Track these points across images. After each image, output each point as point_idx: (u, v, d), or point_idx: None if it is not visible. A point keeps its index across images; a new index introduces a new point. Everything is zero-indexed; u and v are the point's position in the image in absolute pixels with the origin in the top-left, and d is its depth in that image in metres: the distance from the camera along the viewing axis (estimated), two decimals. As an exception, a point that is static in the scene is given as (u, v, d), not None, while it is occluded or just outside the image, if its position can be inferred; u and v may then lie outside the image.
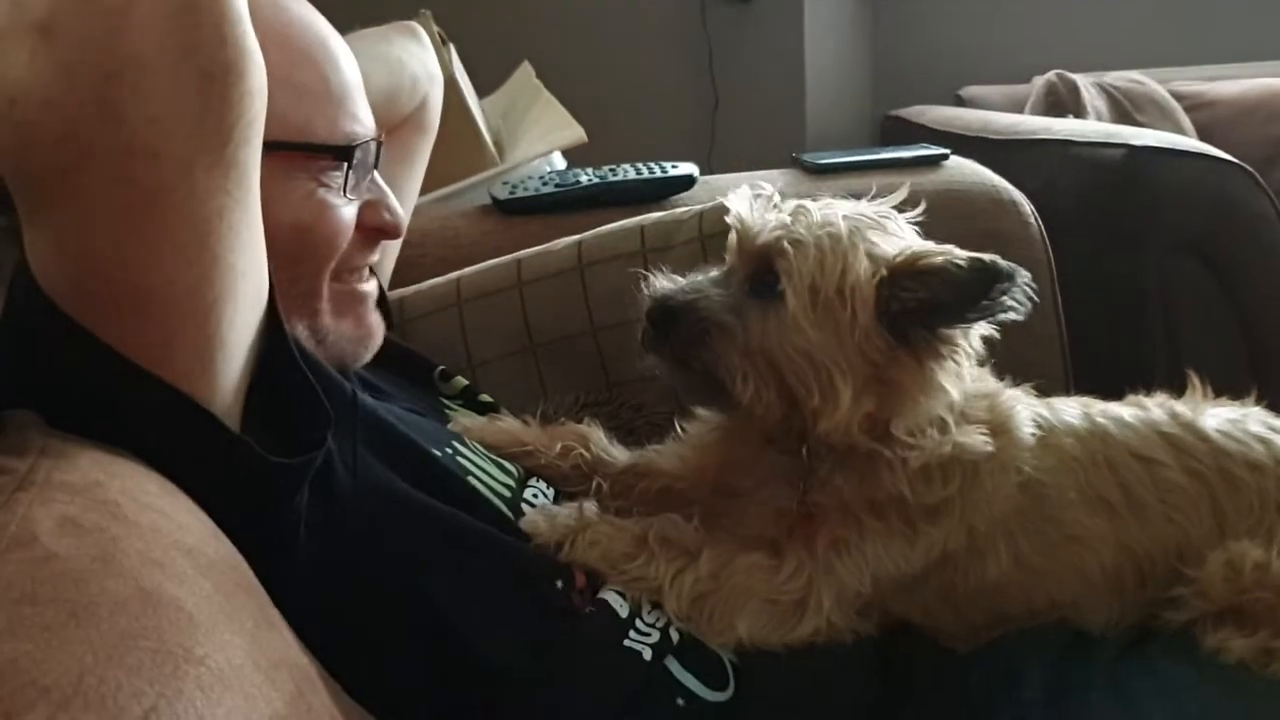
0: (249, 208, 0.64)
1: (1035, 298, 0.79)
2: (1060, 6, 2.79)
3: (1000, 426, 0.85)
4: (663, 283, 0.85)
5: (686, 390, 0.91)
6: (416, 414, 0.91)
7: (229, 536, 0.63)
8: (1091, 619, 0.86)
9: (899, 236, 0.84)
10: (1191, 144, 1.63)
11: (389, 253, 1.13)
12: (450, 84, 1.38)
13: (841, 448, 0.83)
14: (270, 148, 0.66)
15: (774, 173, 1.41)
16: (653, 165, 1.35)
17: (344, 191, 0.82)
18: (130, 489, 0.58)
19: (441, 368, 1.05)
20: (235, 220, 0.62)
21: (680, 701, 0.77)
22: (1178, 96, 2.46)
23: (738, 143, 2.53)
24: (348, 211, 0.83)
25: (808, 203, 0.84)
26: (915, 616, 0.87)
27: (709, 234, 1.12)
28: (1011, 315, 0.79)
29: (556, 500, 0.91)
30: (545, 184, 1.35)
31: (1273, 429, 0.90)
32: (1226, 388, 0.95)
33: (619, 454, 0.96)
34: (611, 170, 1.35)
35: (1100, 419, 0.90)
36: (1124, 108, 2.38)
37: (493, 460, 0.90)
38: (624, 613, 0.79)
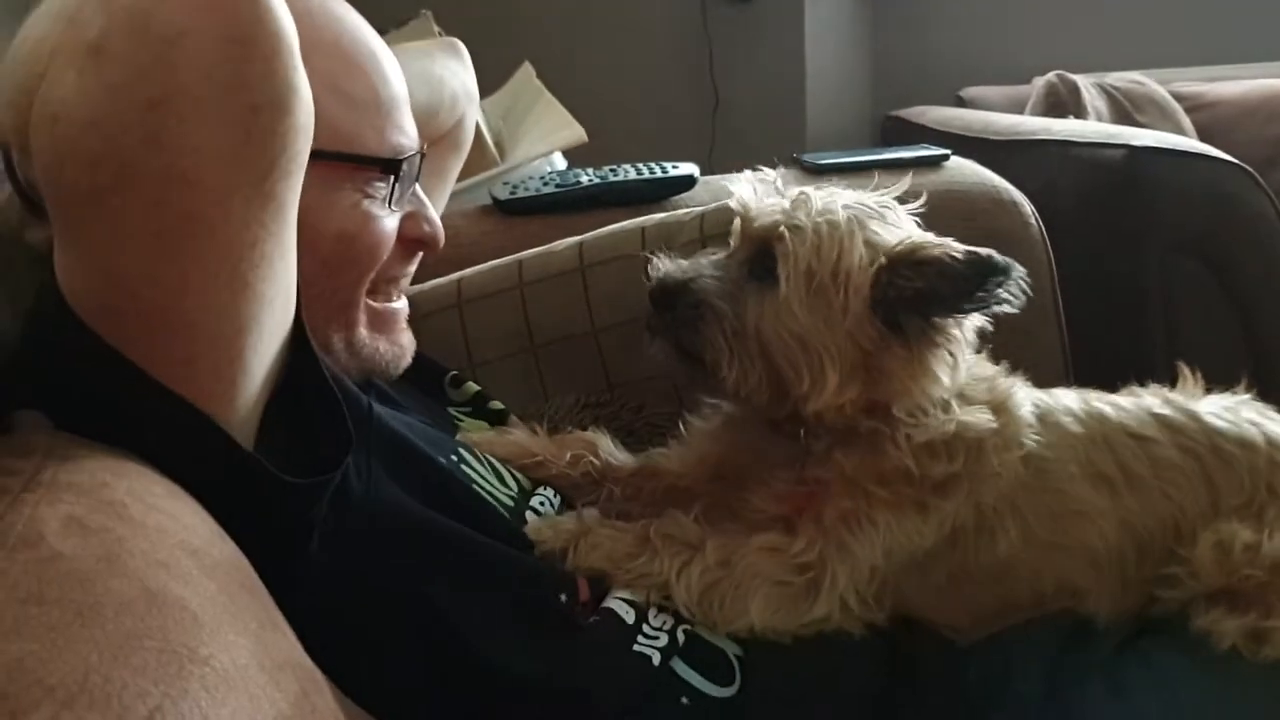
0: (283, 239, 0.64)
1: (1030, 292, 0.80)
2: (1060, 7, 2.80)
3: (1000, 406, 0.87)
4: (666, 265, 0.88)
5: (685, 375, 0.92)
6: (424, 423, 0.91)
7: (235, 540, 0.63)
8: (1096, 603, 0.87)
9: (898, 227, 0.85)
10: (1191, 144, 1.64)
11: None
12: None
13: (840, 428, 0.84)
14: (318, 157, 0.66)
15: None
16: (653, 165, 1.35)
17: (389, 203, 0.82)
18: (136, 490, 0.58)
19: (453, 373, 1.05)
20: (269, 250, 0.62)
21: (685, 700, 0.77)
22: (1178, 97, 2.46)
23: (738, 143, 2.52)
24: (390, 223, 0.83)
25: (810, 190, 0.86)
26: (924, 606, 0.87)
27: (710, 235, 1.12)
28: (1006, 308, 0.80)
29: (562, 508, 0.91)
30: (546, 184, 1.35)
31: (1264, 414, 0.92)
32: (1227, 387, 0.95)
33: (626, 459, 0.96)
34: (612, 170, 1.35)
35: (1096, 402, 0.91)
36: (1124, 108, 2.38)
37: (496, 469, 0.90)
38: (630, 619, 0.79)
